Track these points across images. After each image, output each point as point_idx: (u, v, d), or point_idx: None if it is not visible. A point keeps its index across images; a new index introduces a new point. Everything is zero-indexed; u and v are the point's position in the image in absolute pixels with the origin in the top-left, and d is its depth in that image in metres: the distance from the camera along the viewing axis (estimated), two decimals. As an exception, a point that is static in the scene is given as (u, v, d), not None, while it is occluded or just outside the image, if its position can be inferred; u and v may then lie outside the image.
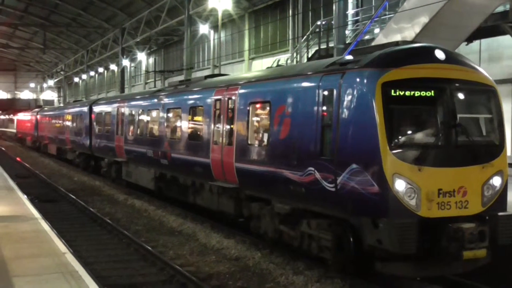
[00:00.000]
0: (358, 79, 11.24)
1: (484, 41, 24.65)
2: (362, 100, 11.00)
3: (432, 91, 11.03)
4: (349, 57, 12.51)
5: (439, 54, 11.37)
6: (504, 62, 24.82)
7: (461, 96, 11.51)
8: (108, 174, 30.39)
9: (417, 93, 10.92)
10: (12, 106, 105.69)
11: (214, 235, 16.74)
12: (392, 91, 10.79)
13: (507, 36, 21.95)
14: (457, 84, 11.35)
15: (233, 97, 15.99)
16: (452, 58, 11.60)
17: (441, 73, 11.21)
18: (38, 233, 13.72)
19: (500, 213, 11.21)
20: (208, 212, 19.18)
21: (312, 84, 12.52)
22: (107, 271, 13.30)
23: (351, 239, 11.69)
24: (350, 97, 11.25)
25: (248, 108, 15.22)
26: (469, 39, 21.78)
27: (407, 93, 10.87)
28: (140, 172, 24.44)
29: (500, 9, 21.06)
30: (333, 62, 12.69)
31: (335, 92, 11.64)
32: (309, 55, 28.42)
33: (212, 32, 50.21)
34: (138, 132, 24.40)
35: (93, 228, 18.89)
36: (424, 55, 11.39)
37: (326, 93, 11.97)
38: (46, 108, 58.84)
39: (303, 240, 13.24)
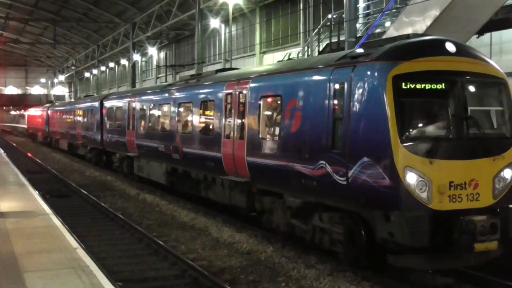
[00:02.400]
0: (369, 72, 11.25)
1: (495, 34, 24.53)
2: (373, 93, 11.01)
3: (443, 84, 11.04)
4: (360, 50, 12.52)
5: (450, 47, 11.37)
6: (515, 55, 24.75)
7: (472, 88, 11.49)
8: (119, 169, 30.50)
9: (428, 86, 10.93)
10: (23, 101, 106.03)
11: (226, 229, 16.78)
12: (403, 84, 10.81)
13: (518, 29, 21.90)
14: (468, 77, 11.34)
15: (244, 91, 16.03)
16: (463, 51, 11.59)
17: (452, 65, 11.21)
18: (50, 229, 13.78)
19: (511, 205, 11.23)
20: (220, 206, 19.23)
21: (323, 78, 12.54)
22: (119, 266, 13.33)
23: (363, 232, 11.74)
24: (361, 90, 11.27)
25: (259, 102, 15.25)
26: (480, 32, 21.67)
27: (418, 86, 10.88)
28: (151, 167, 24.53)
29: (511, 1, 20.93)
30: (344, 55, 12.70)
31: (346, 85, 11.66)
32: (320, 49, 28.39)
33: (223, 26, 50.21)
34: (150, 126, 24.47)
35: (105, 223, 18.93)
36: (435, 48, 11.39)
37: (337, 86, 11.99)
38: (57, 104, 58.88)
39: (315, 233, 13.28)
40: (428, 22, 18.66)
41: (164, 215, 20.05)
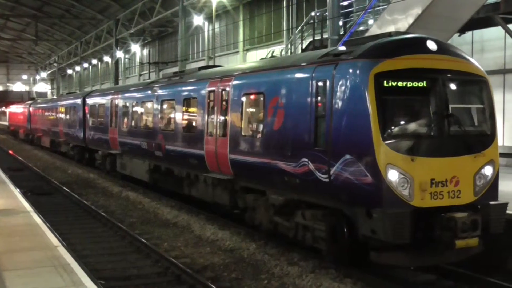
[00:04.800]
0: (351, 70, 11.30)
1: (477, 32, 24.71)
2: (355, 91, 11.06)
3: (425, 82, 11.11)
4: (342, 48, 12.56)
5: (431, 45, 11.43)
6: (496, 53, 24.90)
7: (453, 86, 11.58)
8: (102, 167, 30.38)
9: (409, 84, 11.00)
10: (4, 98, 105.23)
11: (209, 226, 16.79)
12: (385, 81, 10.85)
13: (499, 28, 22.02)
14: (449, 75, 11.42)
15: (227, 89, 16.02)
16: (444, 49, 11.66)
17: (433, 63, 11.27)
18: (30, 227, 13.65)
19: (492, 202, 11.33)
20: (203, 204, 19.21)
21: (306, 75, 12.57)
22: (101, 264, 13.30)
23: (345, 230, 11.79)
24: (343, 88, 11.31)
25: (242, 99, 15.26)
26: (462, 30, 21.84)
27: (400, 83, 10.94)
28: (134, 164, 24.46)
29: (492, 0, 21.12)
30: (326, 53, 12.74)
31: (328, 83, 11.69)
32: (303, 46, 28.43)
33: (206, 23, 50.09)
34: (132, 124, 24.39)
35: (87, 221, 18.85)
36: (417, 46, 11.45)
37: (319, 84, 12.02)
38: (39, 100, 58.53)
39: (297, 231, 13.31)
40: (411, 20, 18.76)
41: (147, 212, 20.03)
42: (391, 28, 18.58)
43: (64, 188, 25.34)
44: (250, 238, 15.18)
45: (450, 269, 12.35)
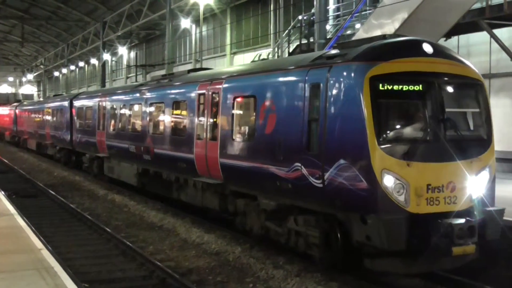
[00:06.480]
0: (345, 73, 11.07)
1: (463, 37, 24.72)
2: (349, 94, 10.83)
3: (421, 85, 10.91)
4: (336, 50, 12.33)
5: (427, 48, 11.25)
6: (482, 58, 24.94)
7: (449, 90, 11.41)
8: (90, 170, 30.04)
9: (405, 87, 10.79)
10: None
11: (195, 230, 16.70)
12: (380, 85, 10.63)
13: (484, 33, 22.06)
14: (445, 78, 11.25)
15: (217, 92, 15.77)
16: (440, 52, 11.48)
17: (430, 67, 11.09)
18: (14, 229, 13.53)
19: (489, 208, 11.14)
20: (189, 207, 19.07)
21: (298, 78, 12.33)
22: (86, 267, 13.22)
23: (339, 236, 11.57)
24: (337, 91, 11.08)
25: (232, 102, 15.01)
26: (448, 35, 21.91)
27: (396, 87, 10.73)
28: (122, 168, 24.17)
29: (477, 5, 21.25)
30: (319, 56, 12.49)
31: (322, 86, 11.45)
32: (290, 50, 28.38)
33: (194, 26, 49.95)
34: (120, 127, 24.09)
35: (72, 223, 18.71)
36: (412, 48, 11.26)
37: (312, 87, 11.77)
38: (25, 103, 58.15)
39: (290, 236, 13.08)
40: (397, 25, 18.76)
41: (132, 215, 19.90)
42: (377, 32, 18.52)
43: (50, 190, 25.13)
44: (236, 242, 15.08)
45: (445, 276, 12.14)
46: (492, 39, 21.86)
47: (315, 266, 12.36)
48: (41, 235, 14.51)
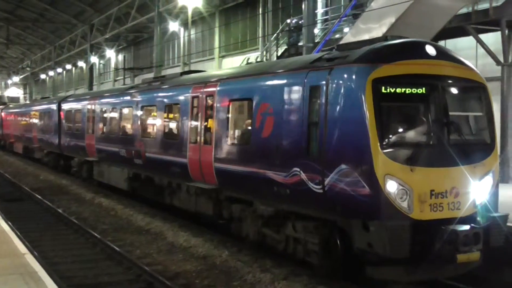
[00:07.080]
0: (346, 75, 10.78)
1: (450, 42, 24.60)
2: (351, 97, 10.54)
3: (424, 88, 10.68)
4: (335, 52, 12.05)
5: (430, 50, 11.02)
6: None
7: (453, 93, 11.19)
8: (78, 174, 29.61)
9: (408, 90, 10.56)
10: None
11: (182, 233, 16.57)
12: (383, 87, 10.37)
13: (470, 37, 22.03)
14: (449, 81, 11.03)
15: (212, 94, 15.45)
16: (443, 54, 11.26)
17: (433, 69, 10.84)
18: (-3, 234, 13.38)
19: (492, 214, 10.90)
20: (176, 211, 18.91)
21: (297, 81, 12.02)
22: (72, 271, 13.04)
23: (339, 242, 11.26)
24: (338, 94, 10.79)
25: (227, 105, 14.69)
26: (435, 40, 21.78)
27: (398, 90, 10.48)
28: (112, 172, 23.77)
29: (464, 10, 21.17)
30: (319, 58, 12.17)
31: (322, 89, 11.15)
32: (279, 54, 28.17)
33: (182, 29, 49.59)
34: (110, 130, 23.72)
35: (58, 227, 18.49)
36: (415, 50, 11.02)
37: (312, 89, 11.46)
38: (11, 105, 57.65)
39: (288, 243, 12.76)
40: (384, 29, 18.68)
41: (120, 219, 19.68)
42: (365, 37, 18.41)
43: (36, 194, 24.81)
44: (223, 245, 14.99)
45: (450, 284, 11.90)
46: (478, 44, 21.79)
47: (302, 270, 12.24)
48: (27, 239, 14.44)
